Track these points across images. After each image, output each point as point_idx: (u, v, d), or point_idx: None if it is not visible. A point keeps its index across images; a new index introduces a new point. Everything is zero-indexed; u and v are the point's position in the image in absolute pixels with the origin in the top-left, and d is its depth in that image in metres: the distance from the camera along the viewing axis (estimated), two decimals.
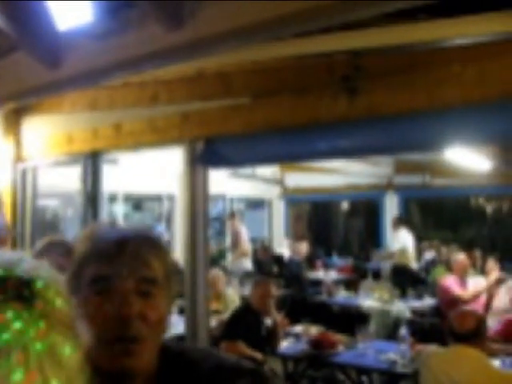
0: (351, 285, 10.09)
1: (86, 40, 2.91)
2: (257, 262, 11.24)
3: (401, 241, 10.49)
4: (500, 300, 6.87)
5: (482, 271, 8.29)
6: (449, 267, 7.36)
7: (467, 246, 10.38)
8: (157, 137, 5.07)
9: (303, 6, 2.26)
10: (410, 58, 3.91)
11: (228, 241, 11.82)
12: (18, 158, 6.25)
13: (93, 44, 2.90)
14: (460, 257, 7.36)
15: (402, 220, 11.11)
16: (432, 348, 4.36)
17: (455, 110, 3.76)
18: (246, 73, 4.52)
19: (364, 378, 5.63)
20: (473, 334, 3.83)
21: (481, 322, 3.97)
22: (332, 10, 2.25)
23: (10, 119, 6.28)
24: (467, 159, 7.42)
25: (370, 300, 8.06)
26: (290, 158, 5.20)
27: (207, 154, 4.77)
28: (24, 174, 6.32)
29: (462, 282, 7.08)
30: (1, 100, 4.11)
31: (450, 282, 7.11)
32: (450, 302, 6.73)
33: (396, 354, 5.22)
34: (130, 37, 2.77)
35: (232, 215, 11.63)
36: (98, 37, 2.82)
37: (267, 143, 4.57)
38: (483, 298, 7.01)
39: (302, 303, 8.22)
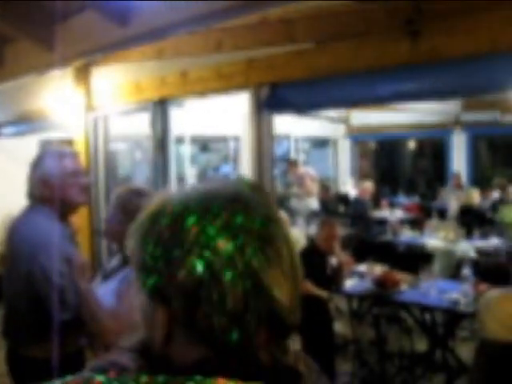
0: (417, 224, 10.07)
1: None
2: (322, 201, 11.32)
3: None
4: None
5: None
6: None
7: None
8: (222, 83, 5.19)
9: None
10: (474, 0, 3.86)
11: (291, 182, 11.86)
12: (89, 108, 6.49)
13: (159, 2, 3.01)
14: None
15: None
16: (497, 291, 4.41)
17: None
18: (308, 18, 4.55)
19: (427, 317, 5.74)
20: None
21: None
22: None
23: (80, 70, 6.50)
24: None
25: (434, 239, 8.09)
26: (353, 102, 5.23)
27: (272, 99, 4.87)
28: (95, 122, 6.58)
29: None
30: (71, 57, 4.28)
31: None
32: None
33: (459, 293, 5.30)
34: None
35: (293, 162, 11.64)
36: None
37: (331, 88, 4.63)
38: None
39: (367, 242, 8.32)
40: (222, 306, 0.85)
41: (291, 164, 11.64)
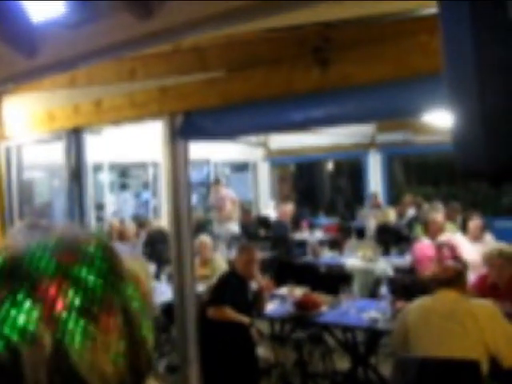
0: (336, 244, 10.22)
1: (60, 30, 2.99)
2: (242, 225, 11.37)
3: None
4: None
5: (463, 226, 8.40)
6: (426, 227, 7.37)
7: (447, 202, 10.52)
8: (136, 111, 5.17)
9: None
10: (380, 29, 4.00)
11: (212, 206, 11.89)
12: (2, 137, 6.33)
13: (66, 33, 2.99)
14: (436, 218, 7.37)
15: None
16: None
17: (424, 78, 3.87)
18: (220, 47, 4.59)
19: (348, 336, 5.84)
20: (453, 279, 4.28)
21: (461, 271, 4.43)
22: None
23: None
24: (444, 120, 7.46)
25: (354, 259, 8.24)
26: (266, 129, 5.32)
27: (186, 127, 4.88)
28: (8, 152, 6.42)
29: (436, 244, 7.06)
30: None
31: (422, 246, 7.18)
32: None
33: (377, 311, 5.43)
34: (102, 26, 2.85)
35: (217, 182, 11.74)
36: (70, 26, 2.90)
37: (244, 115, 4.68)
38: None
39: (288, 265, 8.37)
40: None
41: (215, 183, 11.73)
